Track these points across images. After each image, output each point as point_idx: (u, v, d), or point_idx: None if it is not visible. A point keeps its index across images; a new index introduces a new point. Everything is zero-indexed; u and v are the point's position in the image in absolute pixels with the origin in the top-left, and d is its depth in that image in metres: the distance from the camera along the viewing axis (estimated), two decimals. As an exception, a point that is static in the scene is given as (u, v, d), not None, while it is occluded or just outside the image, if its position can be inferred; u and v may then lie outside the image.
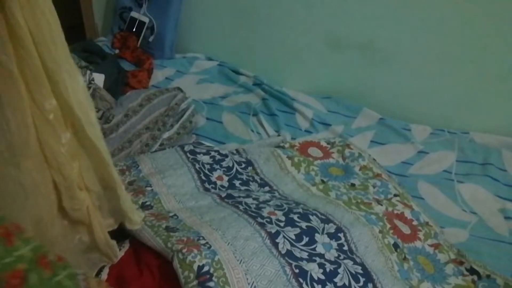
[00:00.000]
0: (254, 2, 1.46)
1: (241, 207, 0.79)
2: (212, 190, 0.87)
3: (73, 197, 0.57)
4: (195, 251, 0.65)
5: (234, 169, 0.95)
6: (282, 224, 0.75)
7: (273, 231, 0.73)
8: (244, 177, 0.95)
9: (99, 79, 1.26)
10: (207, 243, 0.67)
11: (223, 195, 0.85)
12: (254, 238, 0.71)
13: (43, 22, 0.45)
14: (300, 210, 0.80)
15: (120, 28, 1.64)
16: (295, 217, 0.78)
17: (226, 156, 0.99)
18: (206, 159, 0.96)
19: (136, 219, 0.67)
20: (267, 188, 0.94)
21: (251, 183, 0.94)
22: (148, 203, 0.80)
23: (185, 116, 1.18)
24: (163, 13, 1.55)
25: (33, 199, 0.53)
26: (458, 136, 1.26)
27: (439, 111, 1.34)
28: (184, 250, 0.65)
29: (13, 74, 0.45)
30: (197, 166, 0.92)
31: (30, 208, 0.53)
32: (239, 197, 0.84)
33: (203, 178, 0.89)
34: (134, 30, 1.59)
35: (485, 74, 1.25)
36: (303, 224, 0.76)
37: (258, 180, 0.96)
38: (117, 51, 1.58)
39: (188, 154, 0.95)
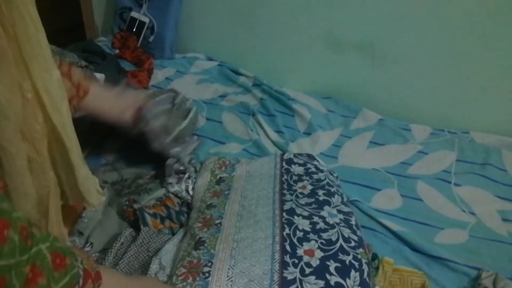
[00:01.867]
0: (254, 2, 1.46)
1: (286, 229, 0.77)
2: (288, 197, 0.86)
3: (45, 172, 0.59)
4: (190, 279, 0.66)
5: (325, 181, 0.91)
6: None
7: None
8: (333, 189, 0.89)
9: (99, 79, 1.27)
10: (209, 272, 0.67)
11: (287, 207, 0.82)
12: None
13: (20, 22, 0.49)
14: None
15: (120, 28, 1.64)
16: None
17: (322, 171, 0.95)
18: (299, 170, 0.95)
19: (93, 202, 0.71)
20: (347, 209, 0.85)
21: (336, 196, 0.88)
22: (214, 204, 0.86)
23: (191, 114, 1.16)
24: (163, 13, 1.55)
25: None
26: (458, 136, 1.26)
27: (439, 111, 1.34)
28: (181, 277, 0.67)
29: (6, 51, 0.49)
30: (284, 177, 0.93)
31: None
32: (300, 215, 0.80)
33: (285, 187, 0.90)
34: (134, 30, 1.59)
35: (486, 73, 1.25)
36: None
37: (345, 197, 0.90)
38: (117, 51, 1.58)
39: (284, 163, 0.98)
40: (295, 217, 0.79)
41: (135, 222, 0.82)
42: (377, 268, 0.80)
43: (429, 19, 1.24)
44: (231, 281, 0.65)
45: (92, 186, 0.70)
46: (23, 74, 0.52)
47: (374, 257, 0.81)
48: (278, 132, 1.23)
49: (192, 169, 0.97)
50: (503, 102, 1.27)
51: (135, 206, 0.83)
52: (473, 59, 1.24)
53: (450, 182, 1.08)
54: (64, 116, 0.59)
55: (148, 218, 0.81)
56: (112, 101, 0.91)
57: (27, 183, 0.56)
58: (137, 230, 0.80)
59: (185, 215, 0.88)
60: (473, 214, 0.99)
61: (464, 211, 1.00)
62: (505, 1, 1.14)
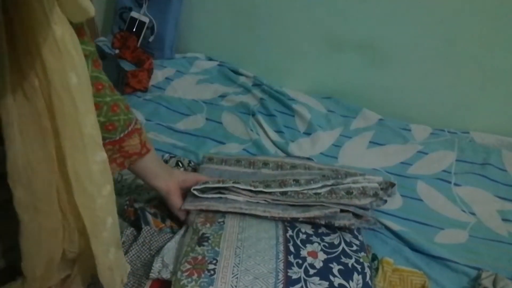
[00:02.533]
0: (254, 2, 1.46)
1: (289, 231, 0.76)
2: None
3: (73, 240, 0.60)
4: (195, 276, 0.65)
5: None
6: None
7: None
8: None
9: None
10: (214, 270, 0.67)
11: None
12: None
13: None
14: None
15: (120, 28, 1.64)
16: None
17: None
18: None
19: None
20: None
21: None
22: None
23: None
24: (163, 13, 1.55)
25: (49, 240, 0.57)
26: (458, 136, 1.26)
27: (439, 111, 1.34)
28: (186, 273, 0.66)
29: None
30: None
31: (46, 249, 0.58)
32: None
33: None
34: (134, 30, 1.59)
35: (485, 74, 1.25)
36: None
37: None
38: (117, 51, 1.58)
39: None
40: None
41: (135, 221, 0.82)
42: (376, 269, 0.80)
43: (429, 20, 1.24)
44: (236, 278, 0.65)
45: (115, 276, 0.64)
46: (55, 152, 0.52)
47: (374, 258, 0.81)
48: (278, 132, 1.23)
49: (191, 171, 0.97)
50: (503, 102, 1.27)
51: (136, 205, 0.83)
52: (473, 59, 1.24)
53: (450, 182, 1.08)
54: (97, 203, 0.56)
55: (149, 217, 0.81)
56: (164, 173, 0.82)
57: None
58: (138, 229, 0.80)
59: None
60: (473, 214, 1.00)
61: (464, 211, 1.00)
62: (504, 1, 1.14)
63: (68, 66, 0.49)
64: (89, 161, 0.54)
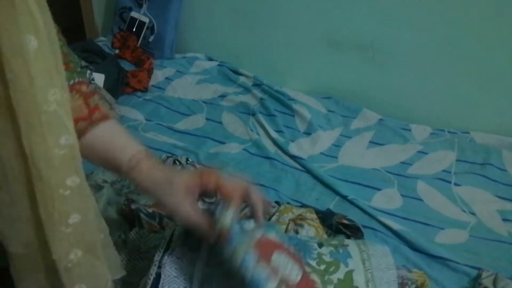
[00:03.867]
0: (254, 2, 1.46)
1: None
2: None
3: None
4: None
5: None
6: None
7: None
8: None
9: (99, 79, 1.27)
10: None
11: None
12: None
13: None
14: None
15: (120, 28, 1.64)
16: None
17: None
18: None
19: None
20: None
21: None
22: None
23: None
24: (163, 13, 1.55)
25: (23, 223, 0.50)
26: (458, 136, 1.26)
27: (439, 111, 1.34)
28: None
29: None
30: None
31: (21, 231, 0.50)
32: None
33: None
34: (134, 30, 1.59)
35: (485, 74, 1.25)
36: None
37: None
38: (117, 51, 1.58)
39: None
40: None
41: (134, 220, 0.82)
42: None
43: (429, 19, 1.24)
44: None
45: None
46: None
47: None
48: (278, 132, 1.23)
49: (191, 168, 0.97)
50: (503, 102, 1.27)
51: (133, 206, 0.83)
52: (473, 59, 1.24)
53: (450, 182, 1.08)
54: (55, 192, 0.48)
55: (144, 220, 0.80)
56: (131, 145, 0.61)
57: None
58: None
59: None
60: (473, 214, 0.99)
61: (464, 211, 1.00)
62: (505, 1, 1.14)
63: (24, 26, 0.40)
64: (48, 143, 0.45)
